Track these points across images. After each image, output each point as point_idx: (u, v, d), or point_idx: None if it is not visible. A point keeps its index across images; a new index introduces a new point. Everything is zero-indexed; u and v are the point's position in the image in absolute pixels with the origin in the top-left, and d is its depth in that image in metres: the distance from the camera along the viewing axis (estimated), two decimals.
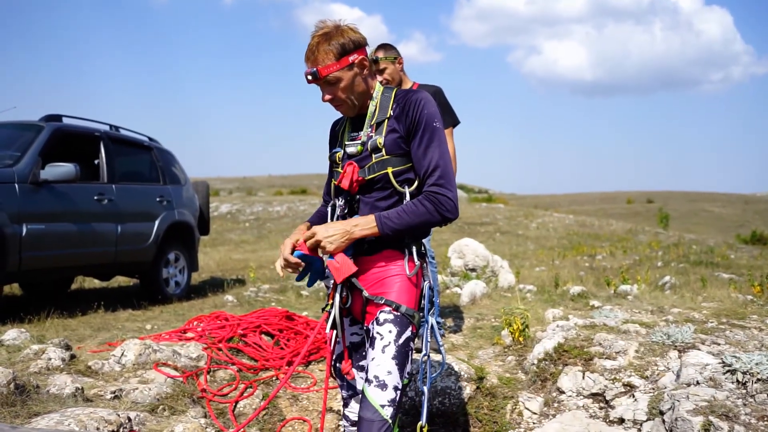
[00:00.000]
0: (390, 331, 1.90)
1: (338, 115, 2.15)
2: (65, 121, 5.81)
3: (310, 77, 1.93)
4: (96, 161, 6.23)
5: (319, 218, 2.19)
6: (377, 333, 1.91)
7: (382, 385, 1.86)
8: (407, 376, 1.94)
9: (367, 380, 1.89)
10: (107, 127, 6.31)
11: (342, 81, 1.93)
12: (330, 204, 2.14)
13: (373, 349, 1.91)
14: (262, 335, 3.86)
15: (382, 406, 1.85)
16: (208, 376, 3.27)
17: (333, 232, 1.90)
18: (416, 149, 1.92)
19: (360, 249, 1.96)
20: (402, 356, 1.90)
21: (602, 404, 3.06)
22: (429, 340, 2.03)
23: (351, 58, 1.93)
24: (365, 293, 1.96)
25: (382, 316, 1.92)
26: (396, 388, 1.88)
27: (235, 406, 3.12)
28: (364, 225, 1.89)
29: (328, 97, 1.97)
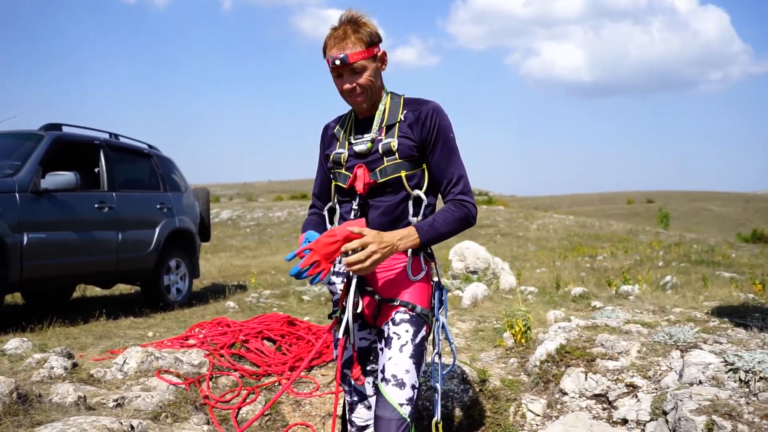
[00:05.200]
0: (407, 331, 1.92)
1: (329, 118, 2.14)
2: (65, 130, 5.82)
3: (338, 62, 1.86)
4: (96, 169, 6.25)
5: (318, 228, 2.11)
6: (394, 333, 1.93)
7: (401, 384, 1.88)
8: (422, 375, 1.95)
9: (383, 380, 1.90)
10: (107, 136, 6.33)
11: (367, 71, 1.91)
12: (327, 208, 2.12)
13: (389, 348, 1.92)
14: (264, 341, 3.86)
15: (401, 405, 1.86)
16: (210, 383, 3.27)
17: (384, 244, 1.80)
18: (437, 159, 1.94)
19: None
20: (418, 355, 1.93)
21: (605, 405, 3.06)
22: (441, 338, 2.05)
23: (375, 50, 1.93)
24: (378, 296, 1.97)
25: (398, 317, 1.94)
26: (413, 387, 1.90)
27: (238, 413, 3.12)
28: (407, 237, 1.86)
29: (349, 86, 1.91)
